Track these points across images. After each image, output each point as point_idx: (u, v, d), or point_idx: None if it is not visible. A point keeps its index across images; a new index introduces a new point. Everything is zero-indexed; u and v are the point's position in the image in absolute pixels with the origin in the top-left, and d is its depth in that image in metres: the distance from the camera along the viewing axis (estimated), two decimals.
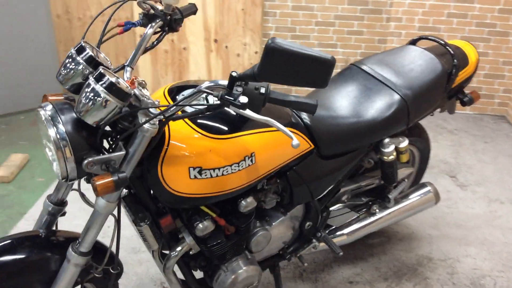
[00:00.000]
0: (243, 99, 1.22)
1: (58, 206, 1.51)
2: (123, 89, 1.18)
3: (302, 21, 4.06)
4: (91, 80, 1.18)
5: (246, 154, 1.47)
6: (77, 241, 1.38)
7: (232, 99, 1.22)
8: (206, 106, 1.29)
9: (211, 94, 1.24)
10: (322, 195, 1.90)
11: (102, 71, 1.18)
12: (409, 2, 3.89)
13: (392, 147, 1.96)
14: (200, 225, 1.51)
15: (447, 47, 2.03)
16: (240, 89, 1.25)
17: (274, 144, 1.57)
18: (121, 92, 1.18)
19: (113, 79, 1.17)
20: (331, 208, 2.05)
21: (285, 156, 1.62)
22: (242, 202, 1.58)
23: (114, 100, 1.17)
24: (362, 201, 2.13)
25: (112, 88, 1.16)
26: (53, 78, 3.90)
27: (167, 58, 4.24)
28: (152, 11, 1.54)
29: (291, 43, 1.14)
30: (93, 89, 1.18)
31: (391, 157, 1.97)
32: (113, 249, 1.45)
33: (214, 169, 1.41)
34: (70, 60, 1.32)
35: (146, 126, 1.25)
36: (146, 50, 1.54)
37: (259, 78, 1.17)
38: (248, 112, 1.24)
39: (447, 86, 2.01)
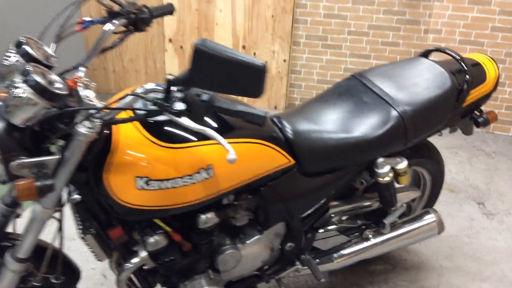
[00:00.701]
0: (180, 106, 1.12)
1: (11, 207, 1.46)
2: (50, 88, 1.10)
3: (334, 30, 3.90)
4: (16, 77, 1.11)
5: (202, 166, 1.35)
6: (15, 247, 1.32)
7: (168, 105, 1.12)
8: (145, 112, 1.20)
9: (144, 98, 1.14)
10: (305, 215, 1.76)
11: (28, 68, 1.11)
12: (450, 13, 3.64)
13: (387, 168, 1.78)
14: (151, 239, 1.41)
15: (460, 62, 1.83)
16: (180, 94, 1.14)
17: (245, 156, 1.44)
18: (48, 92, 1.10)
19: (39, 78, 1.09)
20: (321, 230, 1.90)
21: (255, 171, 1.49)
22: (202, 217, 1.46)
23: (38, 99, 1.09)
24: (355, 225, 1.96)
25: (37, 87, 1.09)
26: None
27: None
28: (116, 8, 1.46)
29: (222, 47, 1.03)
30: (18, 87, 1.10)
31: (387, 178, 1.79)
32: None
33: (162, 180, 1.31)
34: (8, 55, 1.26)
35: (82, 130, 1.17)
36: (104, 50, 1.46)
37: (188, 83, 1.06)
38: (183, 121, 1.13)
39: (456, 104, 1.81)
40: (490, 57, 1.95)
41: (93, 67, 4.40)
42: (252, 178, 1.49)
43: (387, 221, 1.91)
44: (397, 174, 1.84)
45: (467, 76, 1.79)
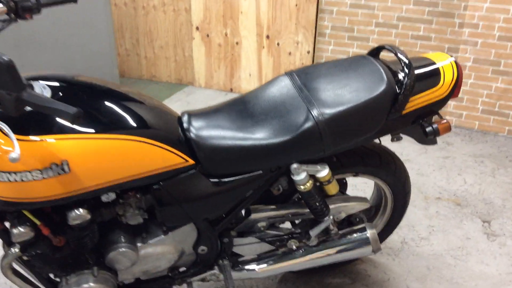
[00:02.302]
0: None
1: None
2: None
3: (361, 21, 3.64)
4: None
5: (54, 161, 1.30)
6: None
7: None
8: None
9: None
10: (213, 218, 1.65)
11: None
12: (488, 5, 3.23)
13: (303, 175, 1.61)
14: (15, 230, 1.39)
15: (402, 62, 1.59)
16: None
17: (112, 154, 1.37)
18: None
19: None
20: (248, 236, 1.78)
21: (131, 170, 1.41)
22: (71, 213, 1.41)
23: None
24: (281, 233, 1.80)
25: None
26: (108, 64, 4.07)
27: (220, 52, 4.15)
28: None
29: None
30: None
31: (306, 186, 1.62)
32: None
33: (10, 173, 1.28)
34: None
35: None
36: None
37: None
38: None
39: (393, 110, 1.58)
40: (454, 59, 1.68)
41: (127, 52, 4.52)
42: (130, 177, 1.41)
43: (313, 232, 1.73)
44: (320, 183, 1.66)
45: (407, 79, 1.56)
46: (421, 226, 2.51)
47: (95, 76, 4.04)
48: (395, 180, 1.90)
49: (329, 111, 1.52)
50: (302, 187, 1.63)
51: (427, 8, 3.41)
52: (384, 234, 2.11)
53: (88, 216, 1.42)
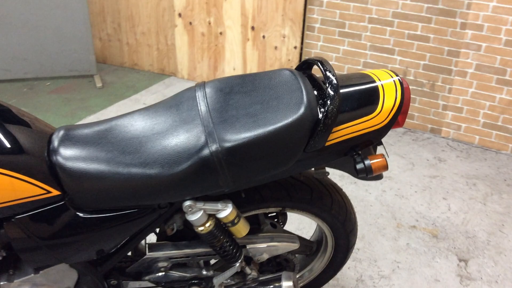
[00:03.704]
0: None
1: None
2: None
3: (353, 15, 3.25)
4: None
5: None
6: None
7: None
8: None
9: None
10: (92, 258, 1.36)
11: None
12: (494, 4, 2.80)
13: (199, 214, 1.30)
14: None
15: (328, 80, 1.25)
16: None
17: None
18: None
19: None
20: (144, 278, 1.49)
21: None
22: None
23: None
24: (184, 276, 1.50)
25: None
26: (84, 48, 3.81)
27: (203, 42, 3.82)
28: None
29: None
30: None
31: (205, 227, 1.31)
32: None
33: None
34: None
35: None
36: None
37: None
38: None
39: (311, 141, 1.25)
40: (398, 78, 1.32)
41: (109, 37, 4.24)
42: None
43: (216, 280, 1.43)
44: (225, 224, 1.35)
45: (329, 105, 1.21)
46: (385, 261, 2.17)
47: (70, 60, 3.79)
48: (332, 218, 1.57)
49: (229, 140, 1.19)
50: (199, 228, 1.32)
51: (426, 4, 3.00)
52: (325, 275, 1.79)
53: None
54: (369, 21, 3.21)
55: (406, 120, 3.37)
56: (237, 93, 1.30)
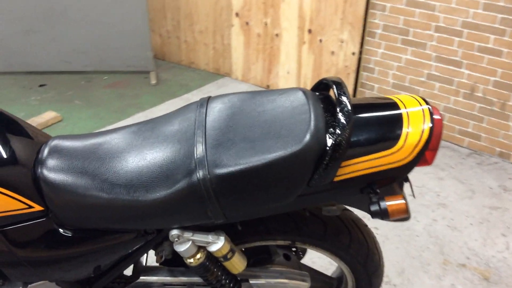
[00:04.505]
0: None
1: None
2: None
3: (418, 22, 2.97)
4: None
5: None
6: None
7: None
8: None
9: None
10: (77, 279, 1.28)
11: None
12: None
13: (187, 245, 1.17)
14: None
15: (341, 105, 1.06)
16: None
17: None
18: None
19: None
20: None
21: None
22: None
23: None
24: None
25: None
26: (141, 44, 3.81)
27: (259, 43, 3.69)
28: None
29: None
30: None
31: (194, 260, 1.18)
32: None
33: None
34: None
35: None
36: None
37: None
38: None
39: (316, 176, 1.07)
40: (429, 107, 1.11)
41: (168, 34, 4.22)
42: None
43: None
44: (218, 257, 1.21)
45: (337, 135, 1.03)
46: None
47: (127, 56, 3.80)
48: (351, 258, 1.38)
49: (220, 167, 1.05)
50: (188, 260, 1.19)
51: (500, 15, 2.67)
52: None
53: None
54: (436, 29, 2.92)
55: (471, 140, 3.04)
56: (240, 113, 1.15)
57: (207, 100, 1.22)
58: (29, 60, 3.88)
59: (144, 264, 1.47)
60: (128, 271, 1.41)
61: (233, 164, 1.04)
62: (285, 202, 1.11)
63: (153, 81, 3.86)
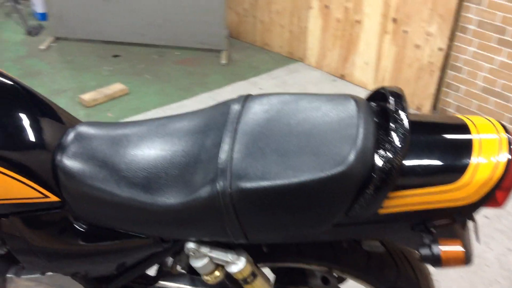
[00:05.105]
0: None
1: None
2: None
3: None
4: None
5: None
6: None
7: None
8: None
9: None
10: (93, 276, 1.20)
11: None
12: None
13: (204, 261, 1.03)
14: None
15: (396, 123, 0.86)
16: None
17: None
18: None
19: None
20: None
21: None
22: None
23: None
24: None
25: None
26: (216, 22, 3.71)
27: (337, 28, 3.45)
28: None
29: None
30: None
31: (211, 277, 1.05)
32: None
33: None
34: None
35: None
36: None
37: None
38: None
39: (356, 205, 0.88)
40: (509, 137, 0.88)
41: (245, 12, 4.07)
42: None
43: None
44: (237, 279, 1.07)
45: (389, 156, 0.84)
46: None
47: (201, 32, 3.71)
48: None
49: (245, 180, 0.90)
50: (205, 277, 1.06)
51: None
52: None
53: None
54: None
55: None
56: (277, 119, 0.98)
57: (245, 98, 1.06)
58: (107, 29, 3.91)
59: (168, 267, 1.37)
60: (152, 271, 1.32)
61: (258, 178, 0.88)
62: (316, 231, 0.93)
63: (224, 61, 3.75)
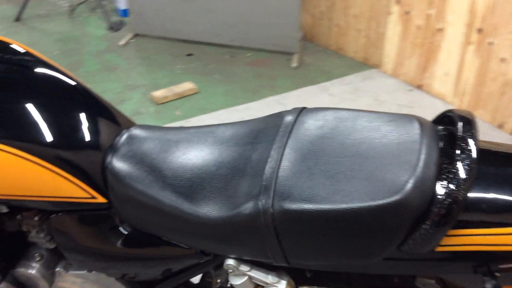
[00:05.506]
0: None
1: None
2: None
3: None
4: None
5: None
6: None
7: None
8: None
9: None
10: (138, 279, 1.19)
11: None
12: None
13: (243, 279, 0.98)
14: None
15: (463, 151, 0.77)
16: None
17: None
18: None
19: None
20: None
21: (19, 190, 1.05)
22: None
23: None
24: None
25: None
26: (289, 25, 3.66)
27: (417, 36, 3.27)
28: None
29: None
30: None
31: None
32: None
33: None
34: None
35: None
36: None
37: None
38: None
39: (409, 239, 0.79)
40: None
41: (321, 15, 3.98)
42: (10, 195, 1.06)
43: None
44: None
45: (451, 188, 0.74)
46: None
47: (274, 34, 3.68)
48: None
49: (288, 201, 0.84)
50: None
51: None
52: None
53: None
54: None
55: None
56: (331, 137, 0.91)
57: (299, 111, 1.00)
58: (183, 28, 3.97)
59: (211, 278, 1.34)
60: (196, 279, 1.30)
61: (303, 200, 0.82)
62: (364, 263, 0.85)
63: (294, 64, 3.69)
